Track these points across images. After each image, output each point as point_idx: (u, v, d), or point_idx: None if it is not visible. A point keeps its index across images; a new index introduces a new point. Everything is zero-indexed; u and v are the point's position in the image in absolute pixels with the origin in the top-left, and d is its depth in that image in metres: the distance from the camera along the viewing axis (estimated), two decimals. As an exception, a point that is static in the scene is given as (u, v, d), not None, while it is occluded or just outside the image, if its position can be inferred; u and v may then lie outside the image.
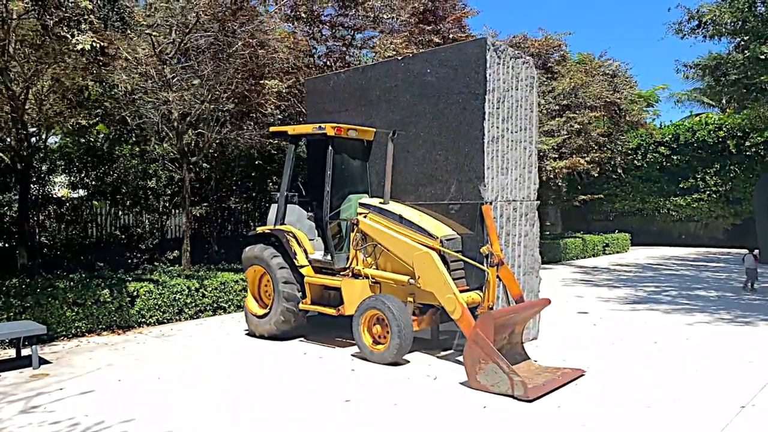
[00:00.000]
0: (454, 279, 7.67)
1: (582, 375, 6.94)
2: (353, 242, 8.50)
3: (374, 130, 9.15)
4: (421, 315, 8.11)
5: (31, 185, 11.90)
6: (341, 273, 8.65)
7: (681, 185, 26.72)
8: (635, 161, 27.30)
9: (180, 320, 10.48)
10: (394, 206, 8.44)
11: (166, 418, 5.77)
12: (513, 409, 5.89)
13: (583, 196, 23.85)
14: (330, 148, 8.60)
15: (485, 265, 7.49)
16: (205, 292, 10.77)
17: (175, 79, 11.08)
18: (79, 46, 8.17)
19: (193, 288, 10.60)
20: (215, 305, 10.93)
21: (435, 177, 8.40)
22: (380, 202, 8.57)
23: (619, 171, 25.83)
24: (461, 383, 6.70)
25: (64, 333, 9.25)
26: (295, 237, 8.97)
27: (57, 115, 11.46)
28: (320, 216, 8.91)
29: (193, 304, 10.62)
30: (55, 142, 16.19)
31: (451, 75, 8.24)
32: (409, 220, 8.08)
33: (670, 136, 26.85)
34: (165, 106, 11.16)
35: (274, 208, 9.47)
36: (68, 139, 15.37)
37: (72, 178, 13.21)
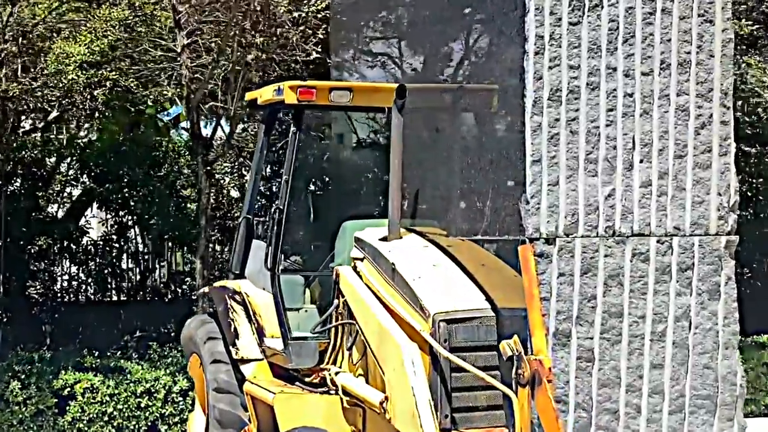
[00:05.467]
0: (468, 409, 6.18)
1: None
2: (334, 317, 7.26)
3: (394, 86, 7.32)
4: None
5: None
6: (310, 380, 7.56)
7: None
8: None
9: (151, 439, 9.67)
10: (399, 245, 6.83)
11: None
12: None
13: None
14: (293, 128, 7.44)
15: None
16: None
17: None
18: None
19: (171, 386, 9.71)
20: (217, 416, 10.13)
21: (467, 184, 6.68)
22: (381, 238, 6.98)
23: None
24: None
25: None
26: (244, 303, 7.76)
27: None
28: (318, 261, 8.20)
29: (175, 414, 9.74)
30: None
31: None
32: (401, 276, 6.43)
33: None
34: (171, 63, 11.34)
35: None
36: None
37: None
